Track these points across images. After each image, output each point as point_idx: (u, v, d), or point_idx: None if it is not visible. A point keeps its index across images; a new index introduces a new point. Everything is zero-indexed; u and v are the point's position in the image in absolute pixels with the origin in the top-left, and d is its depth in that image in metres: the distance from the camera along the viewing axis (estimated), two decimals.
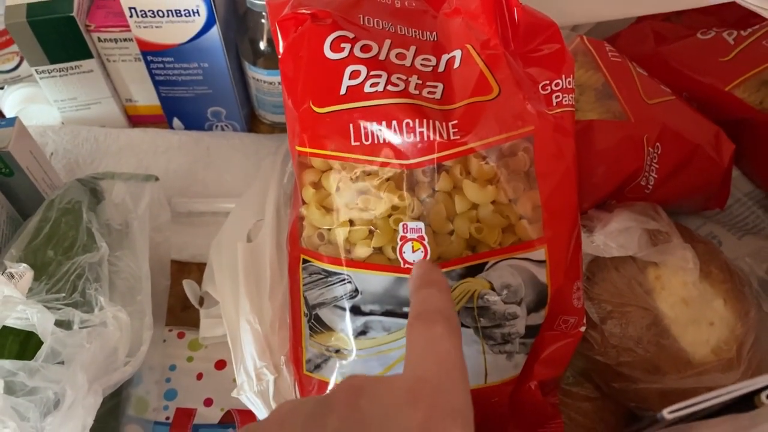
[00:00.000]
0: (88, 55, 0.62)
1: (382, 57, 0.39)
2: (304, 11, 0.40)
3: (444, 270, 0.38)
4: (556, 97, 0.40)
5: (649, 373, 0.43)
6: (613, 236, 0.45)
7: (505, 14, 0.40)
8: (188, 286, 0.52)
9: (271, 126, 0.68)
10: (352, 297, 0.40)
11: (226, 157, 0.65)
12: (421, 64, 0.40)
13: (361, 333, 0.40)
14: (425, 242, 0.38)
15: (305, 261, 0.41)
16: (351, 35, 0.39)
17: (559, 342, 0.41)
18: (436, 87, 0.39)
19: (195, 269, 0.58)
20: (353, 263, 0.39)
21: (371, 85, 0.38)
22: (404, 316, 0.39)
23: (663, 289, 0.45)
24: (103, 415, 0.41)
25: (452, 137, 0.38)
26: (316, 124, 0.39)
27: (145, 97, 0.66)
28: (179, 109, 0.65)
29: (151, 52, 0.59)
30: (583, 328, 0.41)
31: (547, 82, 0.40)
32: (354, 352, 0.40)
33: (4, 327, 0.41)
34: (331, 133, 0.38)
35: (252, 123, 0.69)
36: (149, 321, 0.46)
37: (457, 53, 0.40)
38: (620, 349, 0.43)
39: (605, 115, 0.49)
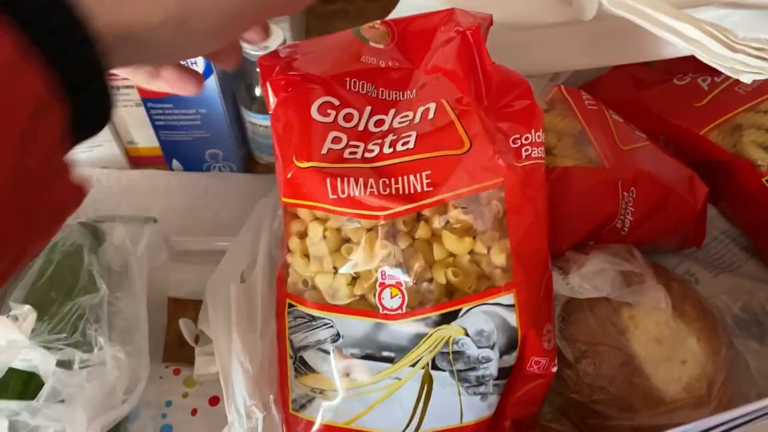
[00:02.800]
0: None
1: (361, 127, 0.42)
2: (295, 74, 0.43)
3: (421, 316, 0.41)
4: (526, 150, 0.42)
5: (622, 410, 0.45)
6: (587, 278, 0.47)
7: (479, 72, 0.43)
8: (184, 324, 0.54)
9: (267, 166, 0.71)
10: (334, 341, 0.42)
11: (223, 196, 0.67)
12: (399, 123, 0.43)
13: (344, 375, 0.42)
14: (403, 288, 0.40)
15: (290, 305, 0.43)
16: (336, 102, 0.42)
17: (532, 383, 0.43)
18: (410, 136, 0.41)
19: (191, 306, 0.60)
20: (335, 308, 0.42)
21: (350, 153, 0.41)
22: (383, 359, 0.41)
23: (636, 328, 0.47)
24: None
25: (426, 188, 0.40)
26: (299, 177, 0.41)
27: (146, 139, 0.69)
28: (178, 151, 0.68)
29: (151, 100, 0.62)
30: (554, 369, 0.43)
31: (518, 136, 0.43)
32: (339, 393, 0.42)
33: (7, 370, 0.43)
34: (311, 186, 0.41)
35: (248, 163, 0.72)
36: (146, 359, 0.48)
37: (432, 105, 0.42)
38: (594, 387, 0.45)
39: (582, 161, 0.51)
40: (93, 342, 0.46)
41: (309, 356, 0.43)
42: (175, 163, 0.70)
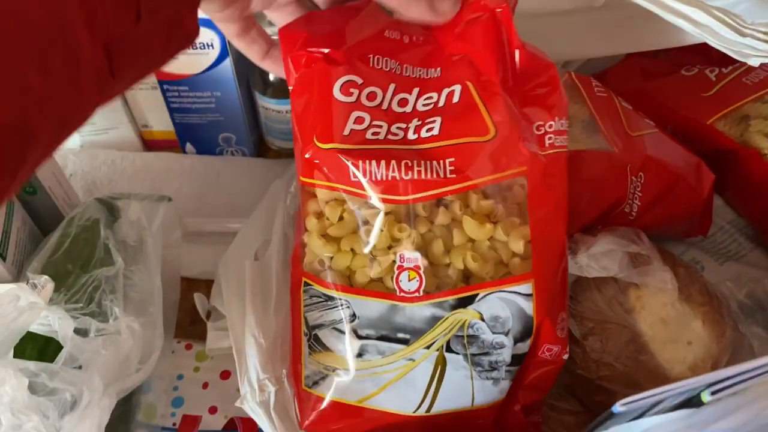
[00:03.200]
0: None
1: (384, 106, 0.41)
2: (317, 51, 0.42)
3: (438, 300, 0.41)
4: (549, 138, 0.42)
5: (627, 387, 0.46)
6: (595, 258, 0.48)
7: (506, 54, 0.42)
8: (198, 299, 0.55)
9: (278, 151, 0.72)
10: (350, 321, 0.42)
11: (235, 180, 0.68)
12: (423, 105, 0.42)
13: (358, 355, 0.42)
14: (421, 272, 0.41)
15: (306, 284, 0.44)
16: (359, 80, 0.41)
17: (542, 368, 0.43)
18: (434, 122, 0.41)
19: (203, 285, 0.61)
20: (352, 290, 0.42)
21: (373, 134, 0.41)
22: (398, 341, 0.42)
23: (643, 308, 0.48)
24: (115, 420, 0.44)
25: (449, 175, 0.40)
26: (318, 157, 0.41)
27: (160, 123, 0.70)
28: (192, 134, 0.69)
29: (167, 82, 0.63)
30: (566, 356, 0.44)
31: (542, 122, 0.42)
32: (351, 372, 0.43)
33: (25, 334, 0.44)
34: (332, 167, 0.41)
35: (260, 148, 0.73)
36: (160, 331, 0.49)
37: (457, 87, 0.42)
38: (600, 363, 0.46)
39: (591, 145, 0.52)
40: (108, 312, 0.47)
41: (323, 335, 0.43)
42: (188, 146, 0.71)
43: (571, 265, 0.48)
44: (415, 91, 0.42)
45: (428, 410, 0.43)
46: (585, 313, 0.47)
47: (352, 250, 0.42)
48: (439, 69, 0.43)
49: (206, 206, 0.66)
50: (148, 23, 0.28)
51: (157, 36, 0.29)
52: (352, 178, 0.40)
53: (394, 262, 0.41)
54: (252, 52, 0.44)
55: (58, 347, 0.44)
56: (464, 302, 0.41)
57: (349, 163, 0.40)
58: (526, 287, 0.41)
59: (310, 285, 0.43)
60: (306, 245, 0.44)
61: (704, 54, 0.67)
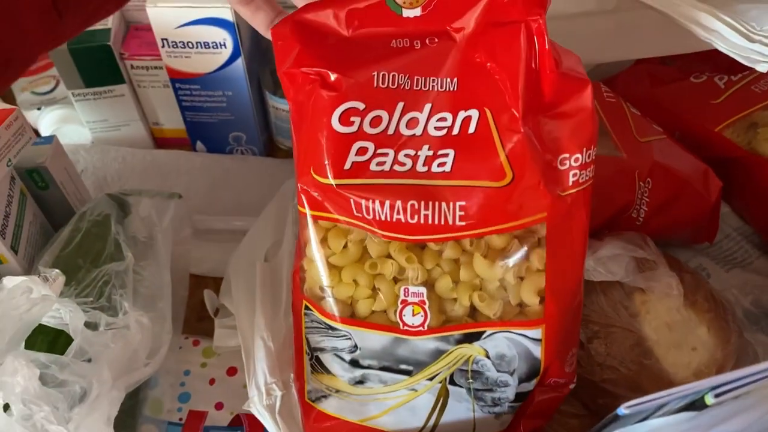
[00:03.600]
0: (120, 80, 0.66)
1: (391, 131, 0.37)
2: (312, 72, 0.37)
3: (444, 334, 0.40)
4: (574, 175, 0.38)
5: (631, 390, 0.46)
6: (601, 262, 0.48)
7: (537, 76, 0.36)
8: (207, 296, 0.56)
9: (288, 151, 0.73)
10: (351, 351, 0.41)
11: (245, 179, 0.69)
12: (435, 127, 0.37)
13: (358, 382, 0.42)
14: (426, 307, 0.39)
15: (307, 308, 0.42)
16: (362, 106, 0.36)
17: (546, 396, 0.42)
18: (447, 156, 0.37)
19: (211, 282, 0.62)
20: (354, 322, 0.40)
21: (377, 164, 0.37)
22: (401, 372, 0.41)
23: (648, 313, 0.48)
24: (122, 414, 0.44)
25: (458, 222, 0.37)
26: (317, 190, 0.38)
27: (171, 121, 0.71)
28: (203, 133, 0.70)
29: (179, 80, 0.64)
30: (572, 386, 0.43)
31: (567, 156, 0.37)
32: (352, 396, 0.42)
33: (36, 327, 0.44)
34: (333, 201, 0.38)
35: (270, 148, 0.74)
36: (168, 326, 0.49)
37: (474, 114, 0.36)
38: (605, 367, 0.46)
39: (600, 150, 0.52)
40: (118, 307, 0.48)
41: (325, 358, 0.42)
42: (198, 145, 0.71)
43: None
44: (427, 108, 0.37)
45: None
46: (590, 316, 0.47)
47: (354, 281, 0.40)
48: (456, 80, 0.37)
49: (216, 204, 0.67)
50: None
51: None
52: (356, 213, 0.38)
53: (398, 296, 0.39)
54: (257, 21, 0.42)
55: (68, 340, 0.45)
56: (470, 338, 0.40)
57: (351, 201, 0.37)
58: (536, 332, 0.39)
59: (311, 311, 0.42)
60: (306, 271, 0.42)
61: (713, 61, 0.67)
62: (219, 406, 0.52)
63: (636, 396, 0.46)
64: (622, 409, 0.31)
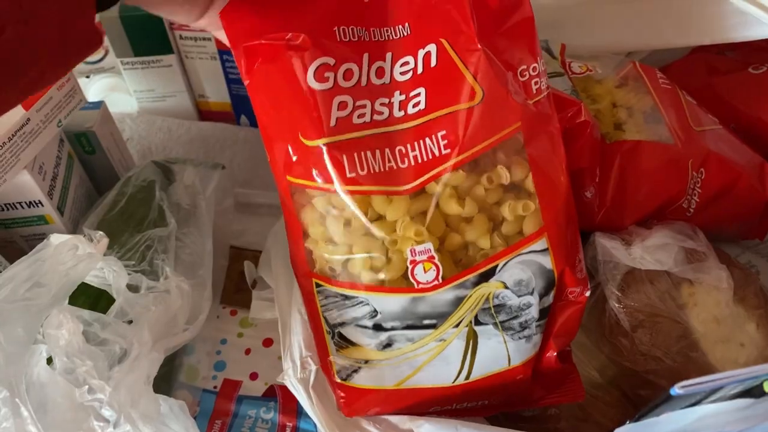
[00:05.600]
0: (169, 50, 0.66)
1: (363, 82, 0.38)
2: (276, 40, 0.37)
3: (459, 281, 0.40)
4: (536, 83, 0.40)
5: (674, 382, 0.45)
6: (650, 251, 0.47)
7: None
8: (248, 267, 0.56)
9: None
10: (372, 317, 0.41)
11: None
12: (401, 72, 0.39)
13: (386, 346, 0.41)
14: (436, 261, 0.39)
15: (319, 285, 0.42)
16: (332, 61, 0.38)
17: (568, 311, 0.43)
18: (419, 95, 0.39)
19: (250, 255, 0.62)
20: (368, 287, 0.40)
21: (359, 116, 0.38)
22: (426, 327, 0.41)
23: (696, 305, 0.47)
24: (157, 379, 0.45)
25: (443, 150, 0.38)
26: (306, 156, 0.38)
27: (217, 94, 0.71)
28: (247, 107, 0.70)
29: (227, 52, 0.64)
30: (587, 293, 0.43)
31: (525, 67, 0.40)
32: (384, 362, 0.42)
33: (78, 287, 0.45)
34: (324, 167, 0.38)
35: None
36: (208, 293, 0.50)
37: (432, 48, 0.38)
38: (649, 357, 0.45)
39: (652, 137, 0.51)
40: (159, 271, 0.48)
41: (347, 332, 0.42)
42: (242, 119, 0.71)
43: (624, 256, 0.47)
44: (389, 57, 0.39)
45: (467, 378, 0.42)
46: (636, 305, 0.46)
47: (365, 252, 0.40)
48: (407, 24, 0.39)
49: (257, 178, 0.67)
50: (34, 25, 0.26)
51: (49, 39, 0.28)
52: (349, 174, 0.38)
53: (407, 258, 0.39)
54: (183, 13, 0.38)
55: (109, 302, 0.45)
56: (485, 276, 0.40)
57: (344, 159, 0.37)
58: (541, 243, 0.40)
59: (323, 286, 0.42)
60: (312, 252, 0.42)
61: None
62: (254, 376, 0.52)
63: None
64: (676, 389, 0.30)
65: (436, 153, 0.38)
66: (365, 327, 0.41)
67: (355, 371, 0.43)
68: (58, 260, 0.41)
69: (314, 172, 0.38)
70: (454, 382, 0.43)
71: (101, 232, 0.46)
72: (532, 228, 0.40)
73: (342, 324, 0.42)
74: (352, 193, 0.38)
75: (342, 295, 0.41)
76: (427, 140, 0.38)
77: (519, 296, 0.41)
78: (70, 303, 0.44)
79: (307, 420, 0.50)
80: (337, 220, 0.40)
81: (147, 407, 0.38)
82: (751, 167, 0.54)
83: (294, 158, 0.39)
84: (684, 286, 0.47)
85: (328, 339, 0.44)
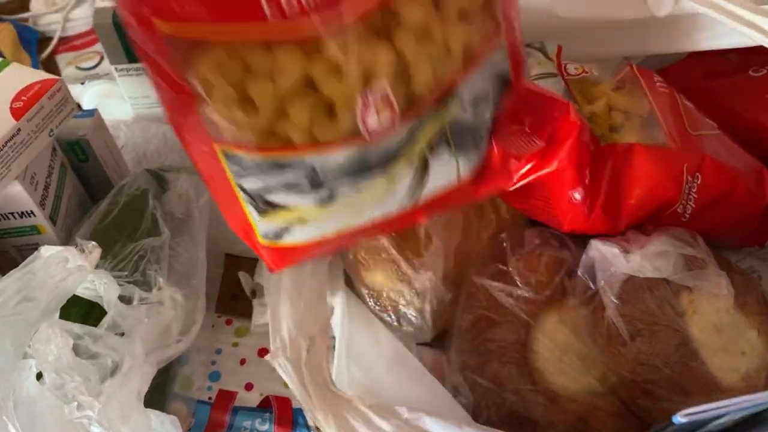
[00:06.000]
0: None
1: None
2: None
3: (416, 116, 0.34)
4: None
5: (674, 393, 0.44)
6: (649, 258, 0.47)
7: None
8: (243, 277, 0.56)
9: None
10: (308, 176, 0.35)
11: None
12: None
13: (328, 199, 0.36)
14: (391, 100, 0.32)
15: (229, 153, 0.35)
16: None
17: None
18: None
19: (245, 263, 0.61)
20: (307, 147, 0.33)
21: None
22: (374, 172, 0.35)
23: (695, 313, 0.46)
24: (152, 390, 0.44)
25: None
26: None
27: None
28: None
29: None
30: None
31: None
32: (323, 213, 0.37)
33: (70, 298, 0.44)
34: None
35: None
36: (202, 303, 0.49)
37: None
38: (648, 366, 0.45)
39: (648, 141, 0.50)
40: (152, 282, 0.48)
41: (276, 197, 0.36)
42: None
43: (623, 264, 0.46)
44: None
45: (415, 204, 0.38)
46: (634, 313, 0.46)
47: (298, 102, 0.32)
48: None
49: None
50: None
51: None
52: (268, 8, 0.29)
53: (356, 102, 0.32)
54: None
55: (101, 313, 0.45)
56: (443, 101, 0.34)
57: None
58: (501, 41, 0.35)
59: (237, 155, 0.34)
60: (218, 123, 0.33)
61: None
62: (249, 386, 0.52)
63: (679, 399, 0.45)
64: (678, 417, 0.29)
65: None
66: (299, 188, 0.35)
67: (286, 230, 0.38)
68: (49, 273, 0.40)
69: (217, 10, 0.29)
70: (399, 210, 0.38)
71: (93, 243, 0.46)
72: (485, 29, 0.35)
73: (267, 190, 0.36)
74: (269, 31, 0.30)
75: (265, 162, 0.34)
76: None
77: (476, 112, 0.36)
78: (61, 314, 0.43)
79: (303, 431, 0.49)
80: (261, 85, 0.31)
81: (137, 423, 0.38)
82: (750, 173, 0.53)
83: None
84: (683, 294, 0.47)
85: (246, 206, 0.38)
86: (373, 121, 0.33)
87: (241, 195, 0.37)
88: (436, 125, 0.35)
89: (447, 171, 0.37)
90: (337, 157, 0.34)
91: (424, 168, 0.36)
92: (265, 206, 0.37)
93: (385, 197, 0.36)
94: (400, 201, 0.38)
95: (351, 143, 0.33)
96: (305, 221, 0.37)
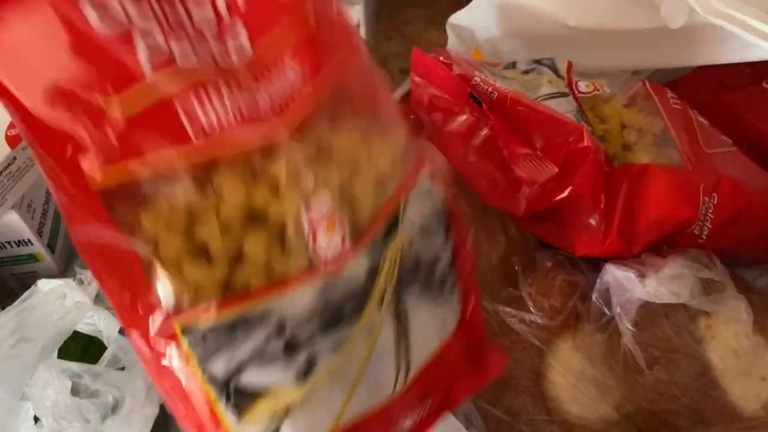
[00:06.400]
0: None
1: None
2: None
3: (369, 239, 0.31)
4: None
5: (694, 423, 0.43)
6: (665, 282, 0.45)
7: None
8: None
9: None
10: (279, 333, 0.30)
11: None
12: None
13: (307, 371, 0.31)
14: (335, 218, 0.30)
15: (186, 330, 0.29)
16: None
17: (469, 259, 0.37)
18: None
19: None
20: (266, 288, 0.29)
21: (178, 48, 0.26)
22: (346, 321, 0.31)
23: (714, 338, 0.45)
24: (155, 426, 0.43)
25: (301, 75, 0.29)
26: (133, 126, 0.26)
27: None
28: None
29: None
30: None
31: None
32: (309, 392, 0.31)
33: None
34: (157, 130, 0.26)
35: None
36: None
37: None
38: (666, 396, 0.43)
39: (662, 160, 0.49)
40: None
41: (251, 376, 0.30)
42: None
43: (639, 289, 0.45)
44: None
45: (407, 373, 0.34)
46: (651, 341, 0.44)
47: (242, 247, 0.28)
48: None
49: None
50: None
51: None
52: (193, 132, 0.26)
53: (304, 226, 0.29)
54: None
55: (102, 346, 0.43)
56: (391, 226, 0.32)
57: (179, 110, 0.26)
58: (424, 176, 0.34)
59: (192, 327, 0.28)
60: (161, 271, 0.28)
61: None
62: None
63: (699, 429, 0.43)
64: None
65: (291, 76, 0.29)
66: (275, 354, 0.30)
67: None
68: (46, 310, 0.39)
69: (146, 144, 0.26)
70: (395, 388, 0.34)
71: None
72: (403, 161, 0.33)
73: (239, 369, 0.30)
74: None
75: (227, 322, 0.29)
76: (283, 63, 0.28)
77: (428, 238, 0.34)
78: (59, 348, 0.42)
79: None
80: (207, 217, 0.28)
81: None
82: (766, 190, 0.52)
83: (115, 141, 0.26)
84: (701, 319, 0.45)
85: (221, 409, 0.30)
86: (323, 242, 0.30)
87: (212, 393, 0.30)
88: (394, 255, 0.32)
89: (427, 320, 0.34)
90: (302, 299, 0.30)
91: (402, 312, 0.33)
92: (242, 398, 0.30)
93: (372, 363, 0.32)
94: (391, 373, 0.33)
95: (311, 277, 0.30)
96: (294, 410, 0.31)
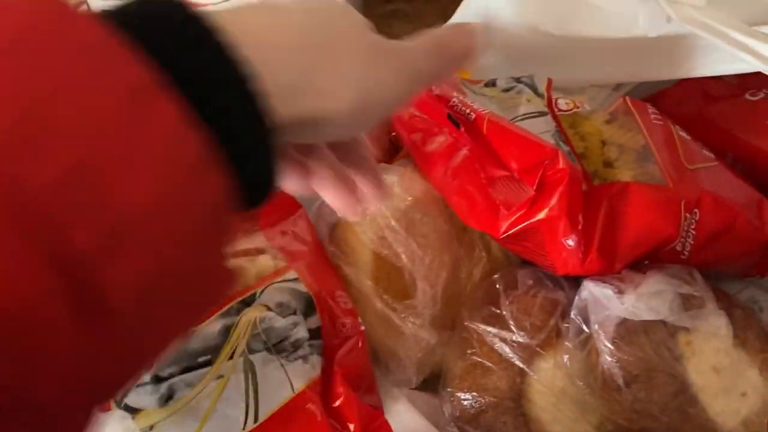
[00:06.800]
0: None
1: None
2: None
3: (223, 311, 0.42)
4: None
5: None
6: (644, 299, 0.45)
7: None
8: None
9: None
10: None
11: None
12: None
13: (167, 398, 0.41)
14: None
15: None
16: None
17: (349, 341, 0.46)
18: None
19: None
20: None
21: None
22: (201, 365, 0.41)
23: (693, 355, 0.45)
24: None
25: None
26: None
27: None
28: None
29: None
30: (363, 327, 0.47)
31: None
32: (168, 419, 0.40)
33: None
34: None
35: None
36: None
37: None
38: (644, 414, 0.43)
39: (643, 177, 0.49)
40: None
41: (131, 397, 0.41)
42: None
43: (617, 306, 0.45)
44: None
45: (256, 419, 0.42)
46: (630, 358, 0.44)
47: None
48: None
49: None
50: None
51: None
52: None
53: None
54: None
55: None
56: (247, 302, 0.43)
57: None
58: (291, 274, 0.45)
59: None
60: None
61: None
62: None
63: None
64: None
65: None
66: (145, 384, 0.41)
67: None
68: None
69: None
70: (244, 428, 0.41)
71: None
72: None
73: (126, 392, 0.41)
74: None
75: None
76: None
77: (284, 317, 0.43)
78: None
79: None
80: None
81: None
82: (749, 205, 0.52)
83: None
84: (681, 335, 0.45)
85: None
86: None
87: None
88: (247, 322, 0.42)
89: (276, 377, 0.42)
90: None
91: (251, 369, 0.42)
92: (126, 412, 0.40)
93: (222, 402, 0.41)
94: (240, 415, 0.41)
95: None
96: (157, 428, 0.40)
